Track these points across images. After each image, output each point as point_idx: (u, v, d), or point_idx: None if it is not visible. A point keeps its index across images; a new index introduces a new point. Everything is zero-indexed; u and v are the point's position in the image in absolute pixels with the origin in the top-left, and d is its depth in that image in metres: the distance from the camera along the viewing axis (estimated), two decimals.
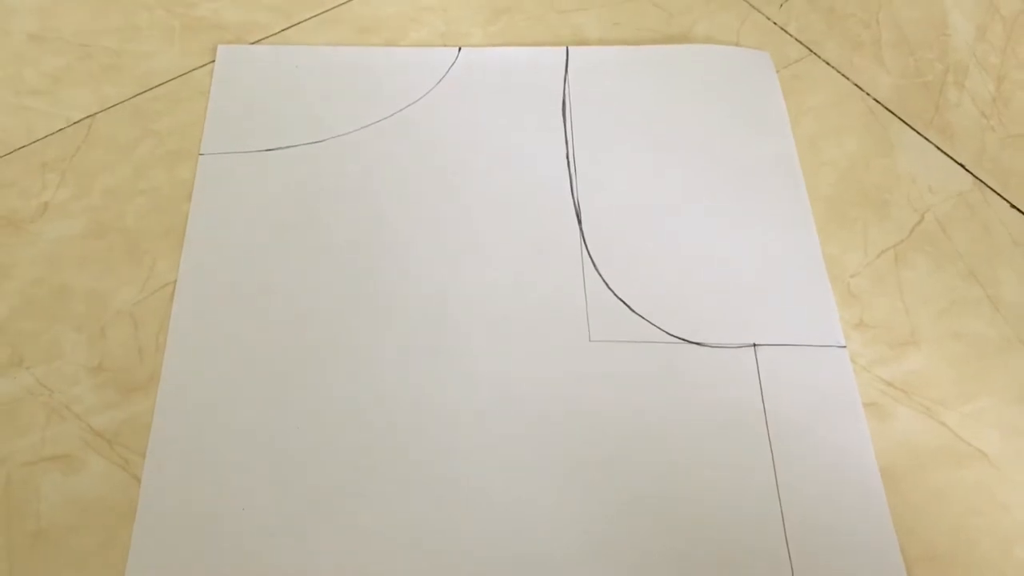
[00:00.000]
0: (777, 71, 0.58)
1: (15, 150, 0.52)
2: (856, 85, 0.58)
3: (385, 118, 0.55)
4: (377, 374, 0.45)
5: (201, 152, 0.53)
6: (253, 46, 0.58)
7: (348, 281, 0.48)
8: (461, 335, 0.46)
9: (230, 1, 0.61)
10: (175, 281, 0.47)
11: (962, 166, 0.53)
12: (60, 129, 0.54)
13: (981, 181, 0.53)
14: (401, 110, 0.55)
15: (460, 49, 0.59)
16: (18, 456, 0.42)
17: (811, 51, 0.60)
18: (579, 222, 0.51)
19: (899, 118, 0.56)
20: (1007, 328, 0.47)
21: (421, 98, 0.56)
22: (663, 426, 0.43)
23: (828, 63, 0.59)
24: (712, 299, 0.48)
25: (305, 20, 0.60)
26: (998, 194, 0.52)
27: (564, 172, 0.53)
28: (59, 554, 0.39)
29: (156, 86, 0.56)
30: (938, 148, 0.54)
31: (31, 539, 0.39)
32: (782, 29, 0.61)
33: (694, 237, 0.50)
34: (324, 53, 0.58)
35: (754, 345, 0.46)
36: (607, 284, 0.48)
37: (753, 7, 0.62)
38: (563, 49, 0.59)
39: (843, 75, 0.58)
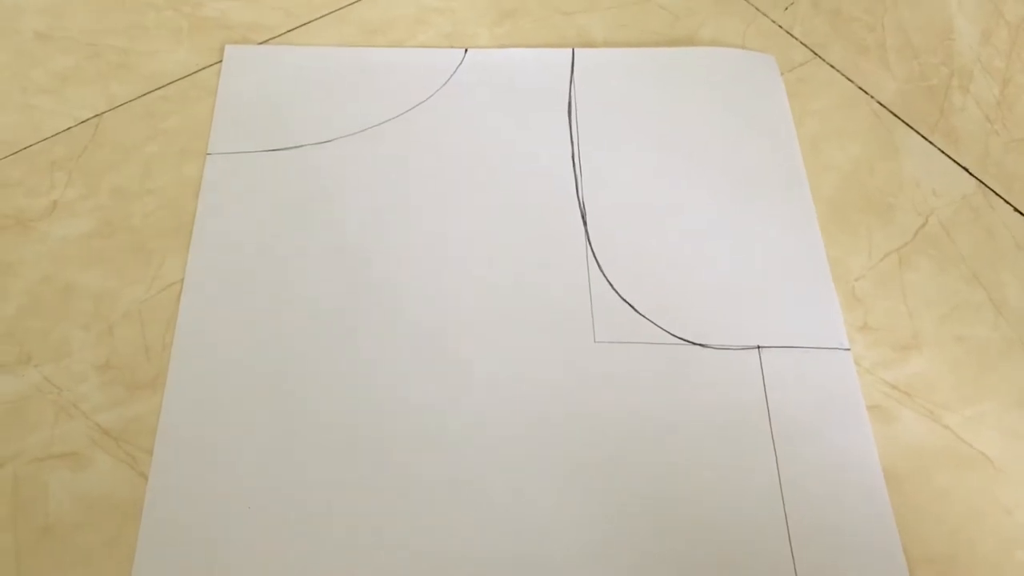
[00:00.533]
0: (782, 74, 0.59)
1: (23, 149, 0.53)
2: (861, 89, 0.58)
3: (391, 119, 0.55)
4: (382, 373, 0.45)
5: (208, 152, 0.53)
6: (260, 46, 0.59)
7: (354, 281, 0.48)
8: (466, 336, 0.46)
9: (238, 1, 0.61)
10: (182, 280, 0.47)
11: (966, 170, 0.54)
12: (68, 128, 0.54)
13: (985, 185, 0.53)
14: (407, 111, 0.55)
15: (466, 50, 0.59)
16: (26, 453, 0.42)
17: (816, 54, 0.60)
18: (584, 223, 0.51)
19: (903, 122, 0.56)
20: (1010, 331, 0.47)
21: (427, 99, 0.56)
22: (668, 427, 0.44)
23: (833, 67, 0.59)
24: (717, 301, 0.48)
25: (312, 21, 0.61)
26: (1002, 198, 0.52)
27: (569, 173, 0.53)
28: (66, 551, 0.39)
29: (164, 85, 0.56)
30: (942, 152, 0.54)
31: (39, 536, 0.40)
32: (787, 32, 0.61)
33: (699, 239, 0.50)
34: (331, 54, 0.58)
35: (758, 347, 0.46)
36: (612, 285, 0.48)
37: (758, 10, 0.63)
38: (569, 51, 0.59)
39: (848, 79, 0.58)
